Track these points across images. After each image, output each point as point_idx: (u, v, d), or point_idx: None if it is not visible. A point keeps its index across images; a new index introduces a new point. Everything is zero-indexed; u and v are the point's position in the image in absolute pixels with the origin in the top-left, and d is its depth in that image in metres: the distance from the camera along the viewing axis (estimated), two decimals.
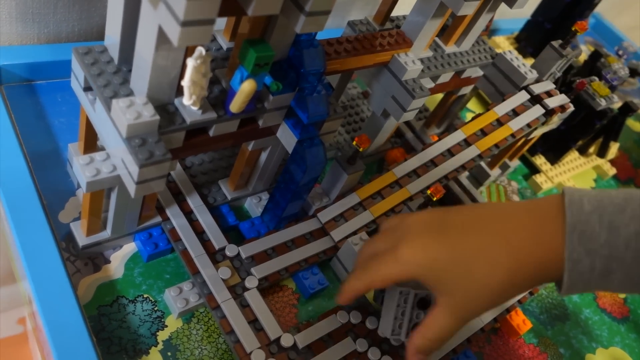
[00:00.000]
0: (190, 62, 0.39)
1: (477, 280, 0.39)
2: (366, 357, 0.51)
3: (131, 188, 0.41)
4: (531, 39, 1.04)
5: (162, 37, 0.36)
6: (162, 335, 0.48)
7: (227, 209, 0.58)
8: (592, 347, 0.68)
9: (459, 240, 0.41)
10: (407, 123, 0.79)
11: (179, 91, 0.43)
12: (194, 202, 0.55)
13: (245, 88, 0.40)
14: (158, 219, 0.53)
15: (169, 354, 0.47)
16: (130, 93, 0.42)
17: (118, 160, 0.42)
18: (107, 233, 0.50)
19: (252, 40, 0.42)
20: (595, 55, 0.92)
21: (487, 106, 0.84)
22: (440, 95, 0.81)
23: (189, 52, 0.40)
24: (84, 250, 0.49)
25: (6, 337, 1.06)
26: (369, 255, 0.45)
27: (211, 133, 0.46)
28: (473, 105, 0.94)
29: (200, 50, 0.38)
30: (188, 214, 0.54)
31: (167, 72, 0.40)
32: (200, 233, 0.53)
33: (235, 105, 0.43)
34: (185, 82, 0.40)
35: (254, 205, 0.60)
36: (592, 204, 0.36)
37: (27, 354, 1.05)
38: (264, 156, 0.56)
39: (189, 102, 0.42)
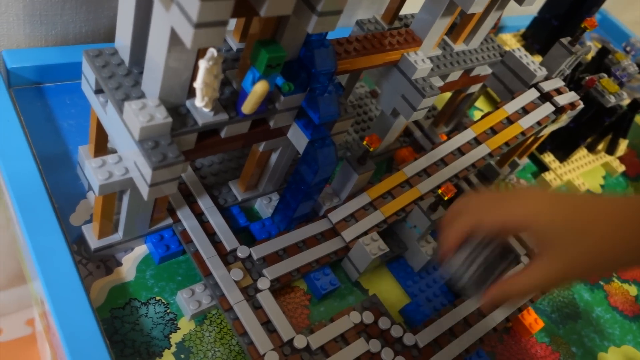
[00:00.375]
0: (203, 64, 0.39)
1: (592, 243, 0.38)
2: (379, 358, 0.50)
3: (144, 191, 0.41)
4: (538, 36, 1.03)
5: (174, 39, 0.36)
6: (175, 338, 0.48)
7: (237, 210, 0.58)
8: (605, 346, 0.67)
9: (580, 203, 0.40)
10: (416, 122, 0.78)
11: (191, 93, 0.42)
12: (205, 203, 0.54)
13: (258, 89, 0.40)
14: (169, 220, 0.53)
15: (182, 356, 0.47)
16: (142, 95, 0.42)
17: (130, 163, 0.42)
18: (118, 236, 0.50)
19: (264, 41, 0.42)
20: (603, 52, 0.92)
21: (495, 104, 0.84)
22: (448, 94, 0.80)
23: (201, 53, 0.39)
24: (96, 253, 0.49)
25: (15, 339, 1.06)
26: (468, 208, 0.43)
27: (223, 134, 0.46)
28: (481, 103, 0.94)
29: (212, 51, 0.38)
30: (199, 215, 0.54)
31: (179, 74, 0.40)
32: (211, 234, 0.53)
33: (248, 107, 0.42)
34: (198, 84, 0.40)
35: (265, 206, 0.60)
36: None
37: (36, 355, 1.05)
38: (274, 157, 0.56)
39: (201, 104, 0.41)
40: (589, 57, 0.99)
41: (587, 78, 0.73)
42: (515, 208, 0.41)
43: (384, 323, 0.52)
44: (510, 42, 1.04)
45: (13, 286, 1.04)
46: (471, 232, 0.43)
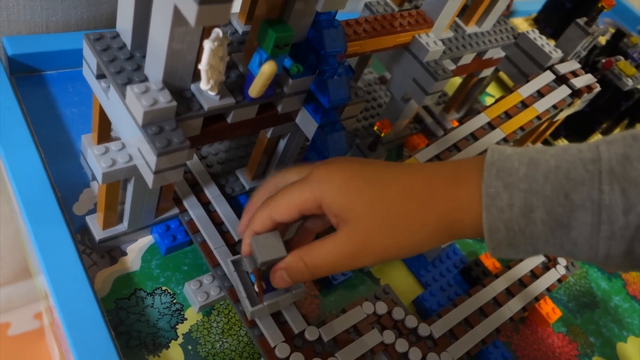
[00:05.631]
0: (207, 45, 0.37)
1: (387, 209, 0.35)
2: (393, 349, 0.49)
3: (149, 178, 0.40)
4: (551, 20, 1.01)
5: (177, 18, 0.34)
6: (182, 329, 0.47)
7: (245, 199, 0.56)
8: (624, 336, 0.65)
9: (377, 169, 0.37)
10: (426, 108, 0.77)
11: (196, 76, 0.41)
12: (212, 192, 0.53)
13: (266, 70, 0.39)
14: (175, 210, 0.51)
15: (190, 347, 0.46)
16: (144, 79, 0.40)
17: (134, 149, 0.41)
18: (123, 226, 0.49)
19: (271, 21, 0.40)
20: (618, 35, 0.89)
21: (506, 90, 0.82)
22: (459, 79, 0.78)
23: (206, 34, 0.38)
24: (101, 244, 0.48)
25: (23, 333, 1.05)
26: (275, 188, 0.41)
27: (229, 120, 0.44)
28: (492, 89, 0.92)
29: (217, 32, 0.37)
30: (206, 205, 0.52)
31: (183, 56, 0.38)
32: (219, 224, 0.51)
33: (255, 90, 0.41)
34: (203, 66, 0.38)
35: None
36: (515, 150, 0.34)
37: (44, 349, 1.05)
38: (282, 144, 0.54)
39: (206, 87, 0.40)
40: (604, 40, 0.97)
41: (603, 60, 0.70)
42: (305, 188, 0.37)
43: (397, 313, 0.51)
44: (523, 26, 1.01)
45: (20, 279, 1.03)
46: (269, 221, 0.39)
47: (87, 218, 0.48)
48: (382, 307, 0.51)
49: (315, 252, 0.37)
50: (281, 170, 0.42)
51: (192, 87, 0.41)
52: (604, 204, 0.31)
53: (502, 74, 0.90)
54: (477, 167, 0.34)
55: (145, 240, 0.51)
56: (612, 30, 1.18)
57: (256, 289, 0.42)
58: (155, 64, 0.39)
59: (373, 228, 0.36)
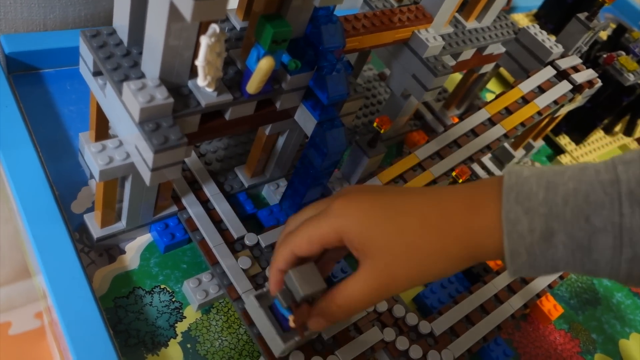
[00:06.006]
0: (204, 40, 0.36)
1: (407, 240, 0.35)
2: (394, 347, 0.49)
3: (146, 176, 0.40)
4: (551, 15, 1.00)
5: (174, 14, 0.34)
6: (181, 327, 0.46)
7: (244, 196, 0.56)
8: (626, 332, 0.65)
9: (394, 198, 0.37)
10: (426, 104, 0.76)
11: (193, 73, 0.40)
12: (211, 190, 0.53)
13: (263, 65, 0.38)
14: (174, 208, 0.51)
15: (189, 345, 0.46)
16: (141, 76, 0.40)
17: (131, 147, 0.40)
18: (122, 224, 0.49)
19: (268, 16, 0.39)
20: (619, 30, 0.89)
21: (507, 86, 0.81)
22: (459, 75, 0.78)
23: (202, 29, 0.37)
24: (99, 242, 0.48)
25: (24, 332, 1.05)
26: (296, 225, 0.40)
27: (227, 116, 0.44)
28: (493, 86, 0.91)
29: (214, 27, 0.36)
30: (204, 202, 0.52)
31: (179, 52, 0.38)
32: (217, 222, 0.51)
33: (253, 86, 0.40)
34: (200, 62, 0.38)
35: (272, 193, 0.58)
36: (531, 171, 0.34)
37: (45, 348, 1.05)
38: (281, 141, 0.54)
39: (203, 83, 0.39)
40: (605, 36, 0.96)
41: (605, 55, 0.70)
42: (326, 223, 0.37)
43: (398, 311, 0.51)
44: (523, 22, 1.01)
45: (21, 279, 1.03)
46: (292, 258, 0.39)
47: (85, 216, 0.48)
48: (382, 305, 0.50)
49: (345, 293, 0.37)
50: (298, 212, 0.42)
51: (190, 83, 0.41)
52: (625, 227, 0.30)
53: (502, 70, 0.90)
54: (495, 191, 0.34)
55: (144, 239, 0.50)
56: (613, 26, 1.17)
57: (291, 323, 0.40)
58: (152, 61, 0.39)
59: (395, 261, 0.36)
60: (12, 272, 1.01)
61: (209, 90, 0.41)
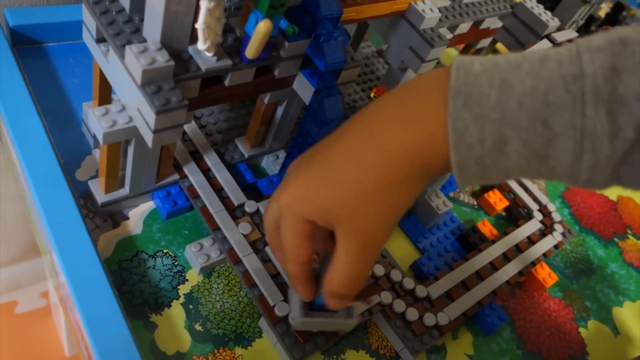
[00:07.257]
0: (204, 4, 0.37)
1: (353, 191, 0.33)
2: (391, 309, 0.50)
3: (148, 138, 0.41)
4: None
5: None
6: (184, 289, 0.48)
7: (244, 167, 0.57)
8: (620, 301, 0.66)
9: (325, 157, 0.35)
10: None
11: (193, 39, 0.41)
12: (211, 159, 0.54)
13: (262, 28, 0.39)
14: (176, 176, 0.52)
15: (191, 306, 0.47)
16: (143, 42, 0.41)
17: (134, 111, 0.42)
18: (125, 191, 0.50)
19: None
20: (618, 8, 0.89)
21: None
22: (456, 52, 0.79)
23: None
24: (103, 208, 0.49)
25: (30, 310, 1.07)
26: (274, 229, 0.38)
27: (227, 82, 0.45)
28: None
29: None
30: (205, 171, 0.53)
31: (180, 18, 0.39)
32: (218, 190, 0.52)
33: (251, 50, 0.41)
34: (199, 25, 0.39)
35: (272, 163, 0.59)
36: (484, 65, 0.30)
37: (51, 326, 1.07)
38: (280, 111, 0.55)
39: (203, 47, 0.40)
40: (603, 13, 0.97)
41: (602, 28, 0.70)
42: (288, 223, 0.35)
43: (395, 275, 0.52)
44: None
45: (27, 258, 1.05)
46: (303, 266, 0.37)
47: (90, 182, 0.49)
48: (379, 270, 0.52)
49: (338, 272, 0.35)
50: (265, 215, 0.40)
51: (190, 49, 0.42)
52: (587, 130, 0.27)
53: (499, 46, 0.90)
54: (439, 93, 0.30)
55: (147, 206, 0.52)
56: (610, 5, 1.17)
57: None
58: (153, 26, 0.40)
59: (355, 217, 0.33)
60: (19, 251, 1.02)
61: (209, 55, 0.42)
